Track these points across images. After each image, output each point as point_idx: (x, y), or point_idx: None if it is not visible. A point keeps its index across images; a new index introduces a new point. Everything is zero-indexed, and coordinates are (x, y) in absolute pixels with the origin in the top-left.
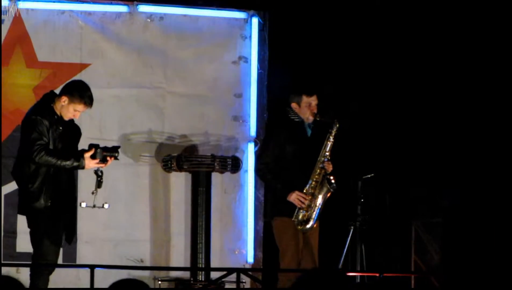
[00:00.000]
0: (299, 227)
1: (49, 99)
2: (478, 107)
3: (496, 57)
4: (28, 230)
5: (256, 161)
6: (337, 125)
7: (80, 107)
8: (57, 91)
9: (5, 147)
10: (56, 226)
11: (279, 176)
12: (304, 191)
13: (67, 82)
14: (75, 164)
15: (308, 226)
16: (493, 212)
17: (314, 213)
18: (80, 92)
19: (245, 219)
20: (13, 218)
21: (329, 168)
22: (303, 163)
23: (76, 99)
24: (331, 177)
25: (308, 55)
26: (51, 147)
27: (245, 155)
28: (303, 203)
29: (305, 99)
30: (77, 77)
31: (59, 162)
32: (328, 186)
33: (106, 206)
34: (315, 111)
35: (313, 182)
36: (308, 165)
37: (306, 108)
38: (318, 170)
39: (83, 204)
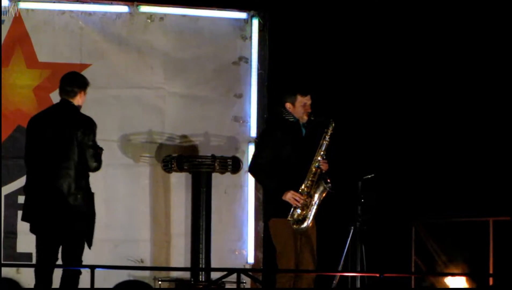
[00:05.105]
0: (294, 226)
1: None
2: (478, 107)
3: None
4: (28, 231)
5: (251, 161)
6: (333, 125)
7: (87, 91)
8: (57, 91)
9: (5, 148)
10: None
11: (274, 176)
12: (300, 190)
13: (63, 80)
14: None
15: (304, 225)
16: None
17: (310, 212)
18: (84, 80)
19: (245, 220)
20: (13, 218)
21: (325, 167)
22: (298, 163)
23: (87, 88)
24: (327, 177)
25: (308, 55)
26: None
27: (246, 156)
28: (298, 201)
29: (299, 99)
30: None
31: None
32: (324, 185)
33: None
34: (309, 110)
35: (309, 182)
36: (303, 164)
37: (300, 107)
38: (314, 169)
39: None
